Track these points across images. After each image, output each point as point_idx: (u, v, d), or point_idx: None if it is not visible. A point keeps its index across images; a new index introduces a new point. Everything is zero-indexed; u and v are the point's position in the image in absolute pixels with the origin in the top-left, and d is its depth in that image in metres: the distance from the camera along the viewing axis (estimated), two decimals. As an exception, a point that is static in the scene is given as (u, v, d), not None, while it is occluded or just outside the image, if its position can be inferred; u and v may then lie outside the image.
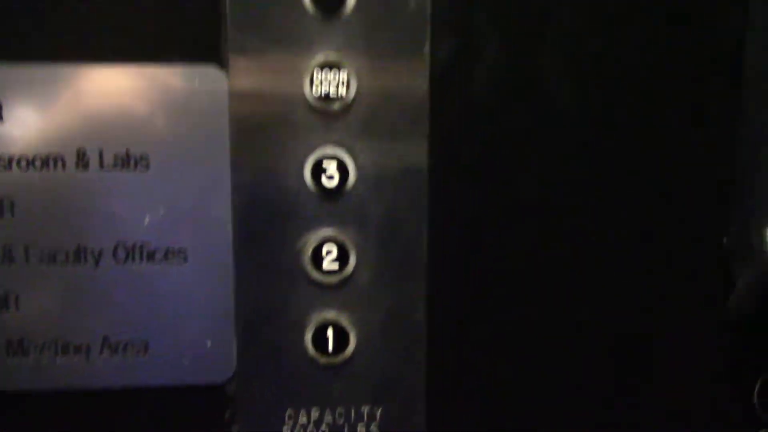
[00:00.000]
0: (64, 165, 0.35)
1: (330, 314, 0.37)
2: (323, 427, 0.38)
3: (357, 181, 0.36)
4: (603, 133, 0.37)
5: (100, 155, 0.35)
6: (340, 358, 0.37)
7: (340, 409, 0.38)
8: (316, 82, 0.35)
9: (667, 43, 0.37)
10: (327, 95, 0.35)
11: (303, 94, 0.35)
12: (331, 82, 0.35)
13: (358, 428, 0.38)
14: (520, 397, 0.39)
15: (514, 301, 0.38)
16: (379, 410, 0.38)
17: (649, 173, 0.38)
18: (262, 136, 0.35)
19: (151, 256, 0.36)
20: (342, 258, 0.36)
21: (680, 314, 0.39)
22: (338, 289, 0.37)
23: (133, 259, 0.36)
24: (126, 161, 0.35)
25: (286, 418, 0.37)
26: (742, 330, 0.39)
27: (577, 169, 0.37)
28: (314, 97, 0.35)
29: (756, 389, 0.40)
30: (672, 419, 0.40)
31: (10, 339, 0.36)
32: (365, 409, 0.38)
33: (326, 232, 0.36)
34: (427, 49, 0.35)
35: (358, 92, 0.35)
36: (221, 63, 0.35)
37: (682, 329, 0.39)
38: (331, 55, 0.35)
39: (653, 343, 0.39)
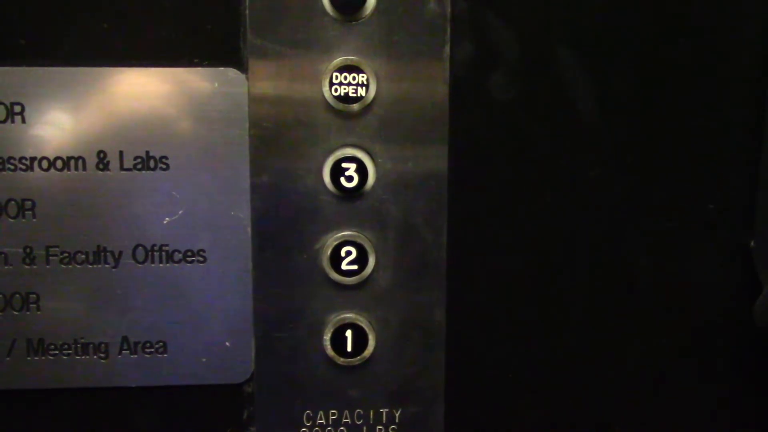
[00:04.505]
0: (84, 166, 0.35)
1: (349, 315, 0.37)
2: (341, 428, 0.38)
3: (376, 182, 0.36)
4: (626, 135, 0.37)
5: (121, 156, 0.35)
6: (359, 359, 0.37)
7: (358, 411, 0.38)
8: (335, 83, 0.35)
9: (695, 44, 0.37)
10: (346, 96, 0.35)
11: (322, 96, 0.35)
12: (350, 84, 0.35)
13: (377, 430, 0.38)
14: (539, 400, 0.39)
15: (533, 304, 0.38)
16: (398, 412, 0.38)
17: (675, 178, 0.37)
18: (282, 138, 0.35)
19: (170, 256, 0.36)
20: (361, 259, 0.36)
21: (706, 320, 0.39)
22: (357, 291, 0.37)
23: (153, 259, 0.36)
24: (146, 162, 0.35)
25: (305, 418, 0.37)
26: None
27: (599, 172, 0.37)
28: (334, 99, 0.35)
29: None
30: (697, 423, 0.40)
31: (30, 338, 0.36)
32: (384, 411, 0.38)
33: (345, 233, 0.36)
34: (447, 51, 0.35)
35: (377, 94, 0.35)
36: (241, 65, 0.35)
37: (708, 335, 0.39)
38: (351, 57, 0.35)
39: (679, 349, 0.39)
